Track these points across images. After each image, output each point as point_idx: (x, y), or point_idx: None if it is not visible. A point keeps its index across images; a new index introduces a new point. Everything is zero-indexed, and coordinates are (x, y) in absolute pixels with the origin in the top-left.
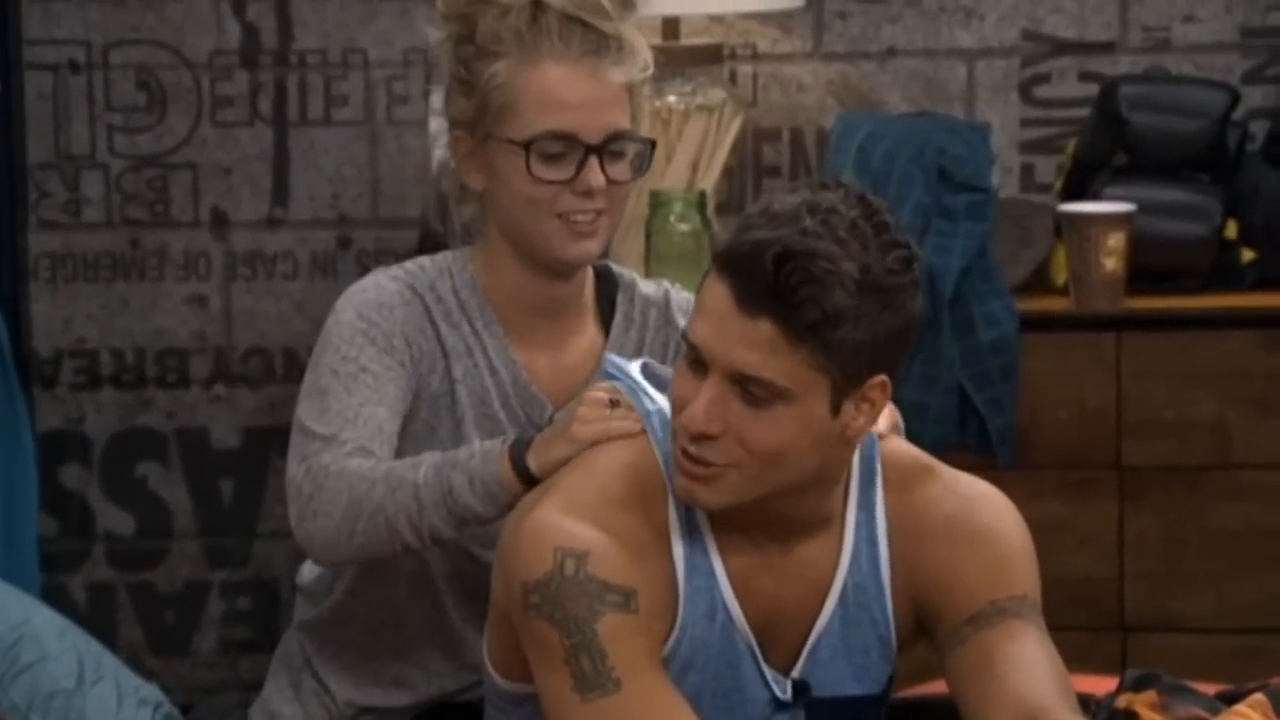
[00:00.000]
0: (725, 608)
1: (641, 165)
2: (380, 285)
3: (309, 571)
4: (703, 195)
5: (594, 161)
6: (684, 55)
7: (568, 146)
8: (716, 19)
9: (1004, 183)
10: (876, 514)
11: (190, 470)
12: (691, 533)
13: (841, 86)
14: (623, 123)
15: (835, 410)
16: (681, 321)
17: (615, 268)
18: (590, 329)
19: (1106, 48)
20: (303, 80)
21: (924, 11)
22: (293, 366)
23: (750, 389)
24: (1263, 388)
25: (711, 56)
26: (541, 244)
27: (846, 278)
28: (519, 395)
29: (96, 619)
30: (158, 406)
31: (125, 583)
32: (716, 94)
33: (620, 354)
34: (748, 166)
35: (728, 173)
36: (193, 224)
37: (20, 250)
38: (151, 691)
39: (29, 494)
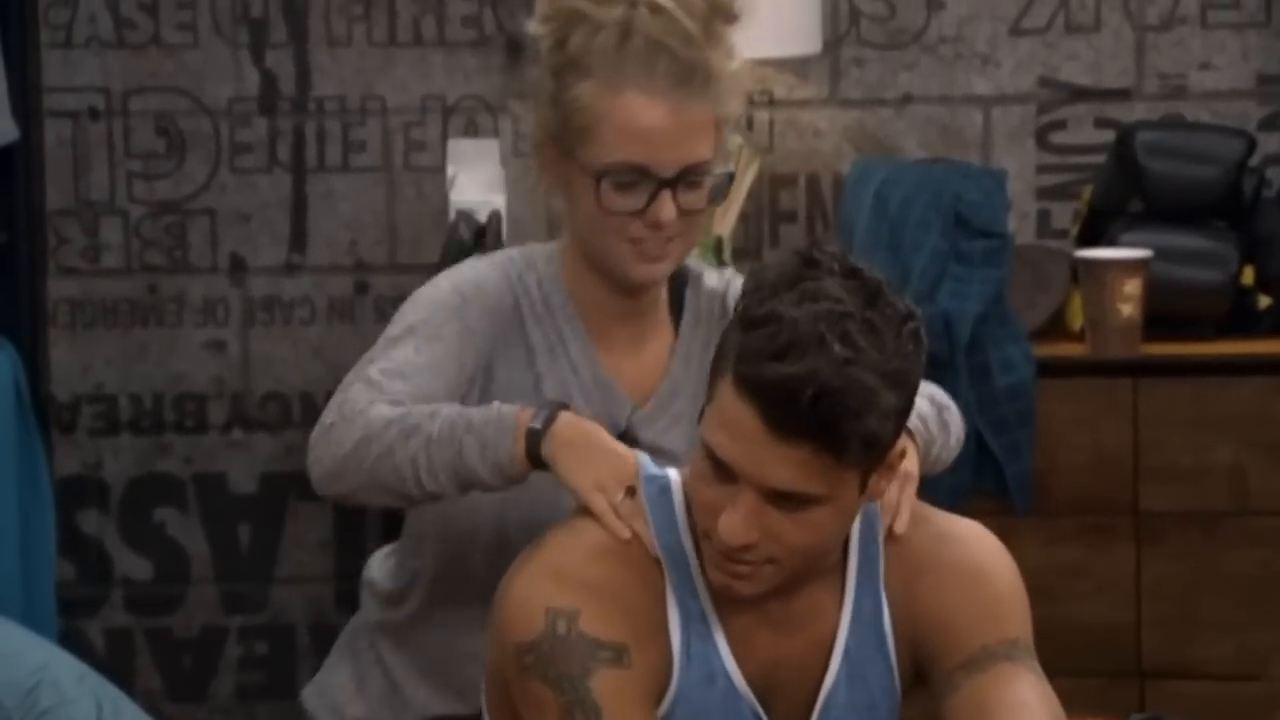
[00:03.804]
0: (726, 674)
1: (718, 195)
2: (478, 268)
3: (379, 568)
4: (720, 241)
5: (666, 195)
6: None
7: (640, 177)
8: None
9: (1020, 229)
10: (879, 570)
11: (208, 515)
12: (687, 596)
13: (858, 133)
14: (702, 154)
15: (863, 489)
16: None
17: (685, 262)
18: (664, 327)
19: (1123, 94)
20: (321, 127)
21: (940, 58)
22: (310, 411)
23: (785, 500)
24: (1279, 433)
25: None
26: (611, 263)
27: (883, 401)
28: (600, 393)
29: (114, 664)
30: (175, 452)
31: (143, 628)
32: (733, 140)
33: (688, 351)
34: (764, 212)
35: (744, 218)
36: (211, 270)
37: (39, 296)
38: None
39: (47, 539)
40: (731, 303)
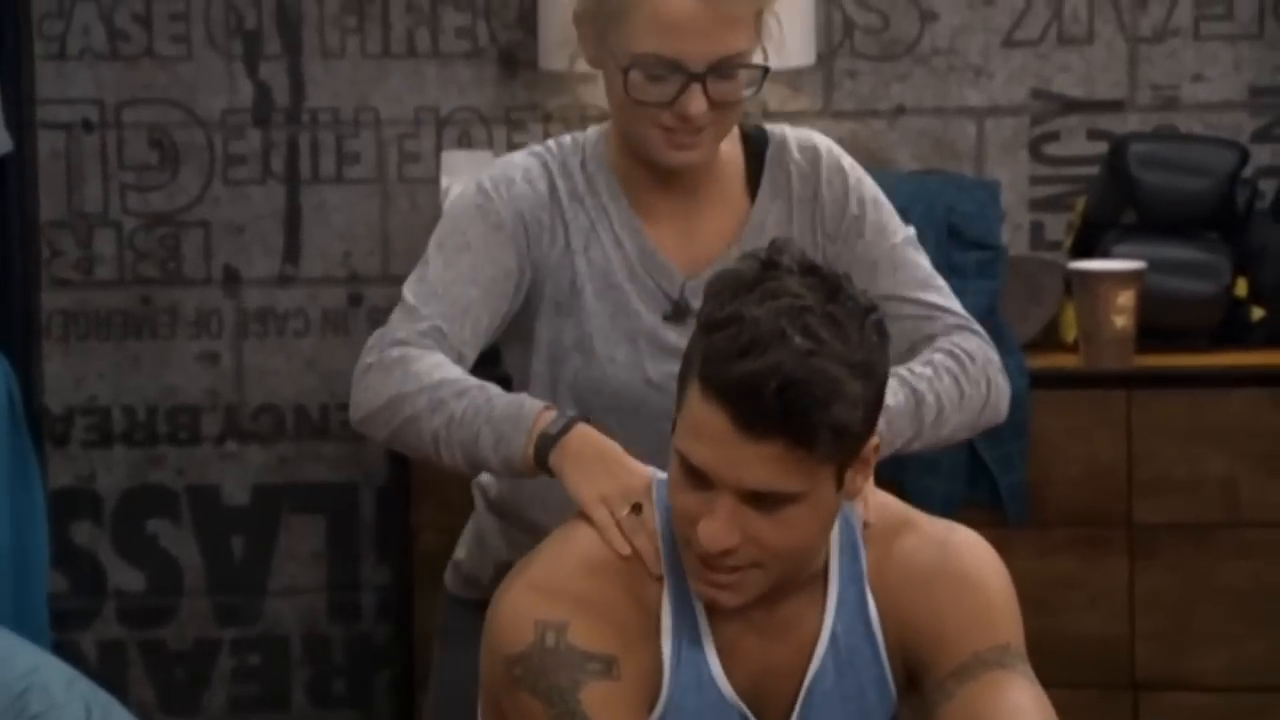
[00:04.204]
0: (714, 683)
1: (754, 86)
2: (512, 160)
3: None
4: None
5: (695, 89)
6: None
7: (670, 70)
8: None
9: (1013, 240)
10: (861, 566)
11: (201, 527)
12: (684, 604)
13: (851, 144)
14: (737, 46)
15: (839, 485)
16: (826, 194)
17: (767, 126)
18: (733, 197)
19: (1115, 106)
20: (314, 138)
21: (933, 70)
22: (304, 423)
23: (762, 501)
24: (1272, 445)
25: None
26: (643, 147)
27: (849, 389)
28: (645, 265)
29: (107, 676)
30: (169, 463)
31: (136, 640)
32: None
33: (763, 221)
34: None
35: None
36: (205, 281)
37: (33, 308)
38: None
39: (40, 551)
40: (822, 184)
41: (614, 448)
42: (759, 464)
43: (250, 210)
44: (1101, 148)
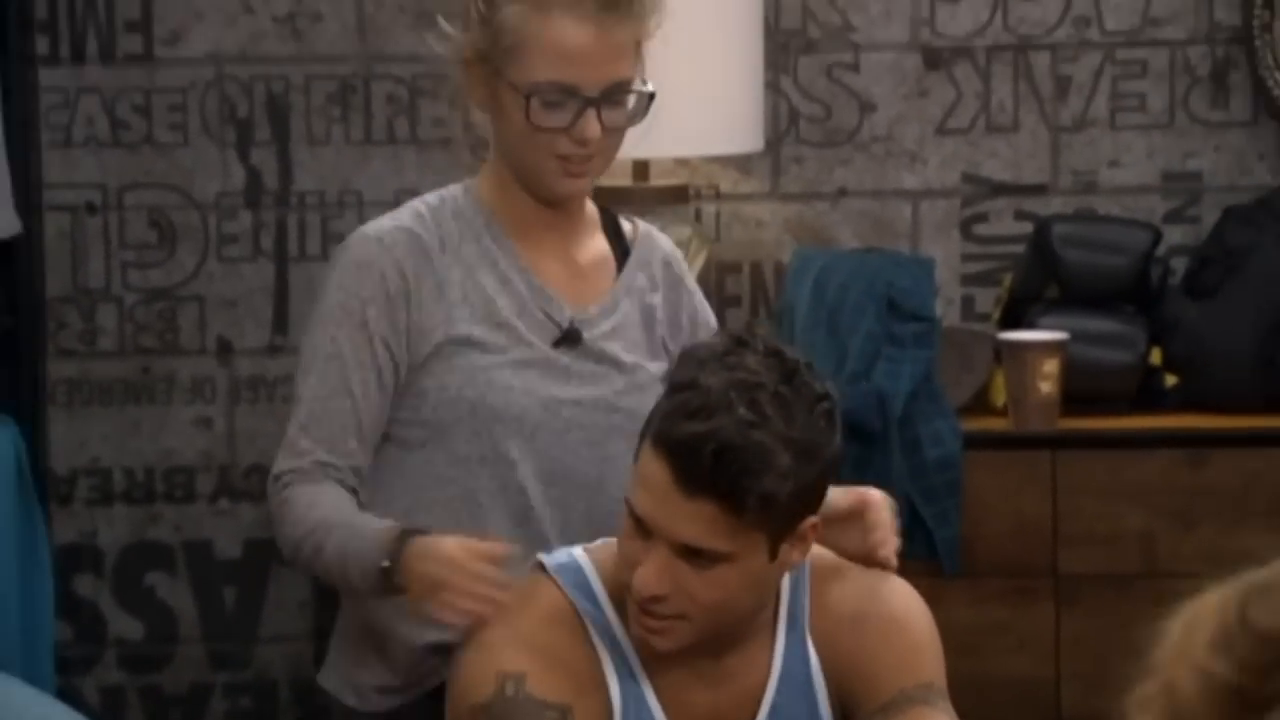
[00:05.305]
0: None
1: (638, 114)
2: (366, 236)
3: None
4: None
5: (591, 113)
6: (653, 195)
7: (567, 96)
8: (683, 162)
9: (947, 313)
10: (803, 615)
11: (195, 579)
12: (618, 656)
13: (797, 224)
14: (625, 73)
15: (774, 556)
16: (691, 285)
17: (622, 218)
18: (599, 242)
19: (1039, 189)
20: (302, 219)
21: (872, 156)
22: None
23: (694, 556)
24: (1186, 501)
25: (678, 196)
26: (535, 178)
27: (780, 462)
28: (535, 298)
29: None
30: (166, 520)
31: (134, 685)
32: (683, 230)
33: (630, 284)
34: (711, 296)
35: None
36: (200, 351)
37: (40, 377)
38: None
39: (46, 603)
40: (688, 276)
41: (440, 541)
42: (692, 520)
43: (242, 285)
44: (1027, 228)
